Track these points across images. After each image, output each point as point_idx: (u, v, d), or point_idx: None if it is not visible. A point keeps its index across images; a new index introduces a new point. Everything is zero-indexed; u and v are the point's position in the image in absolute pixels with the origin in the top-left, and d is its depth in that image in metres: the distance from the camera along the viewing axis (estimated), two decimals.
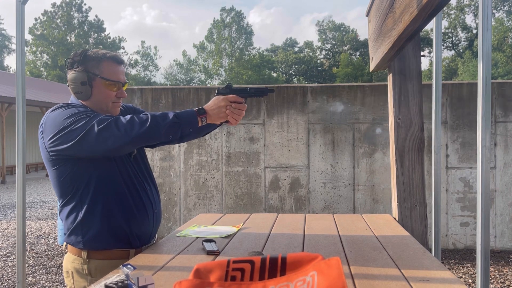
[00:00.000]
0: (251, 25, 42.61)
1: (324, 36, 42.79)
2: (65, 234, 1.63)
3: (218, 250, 1.55)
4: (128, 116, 1.48)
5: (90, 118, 1.47)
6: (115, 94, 1.64)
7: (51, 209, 8.59)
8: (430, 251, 2.39)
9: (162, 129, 1.48)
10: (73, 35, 39.59)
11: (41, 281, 4.24)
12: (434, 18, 2.28)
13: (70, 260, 1.62)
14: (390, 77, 2.54)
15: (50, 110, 1.59)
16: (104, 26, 41.19)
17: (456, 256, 4.88)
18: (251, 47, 42.36)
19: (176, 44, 75.59)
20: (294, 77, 42.05)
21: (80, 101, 1.63)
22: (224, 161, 5.46)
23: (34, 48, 38.85)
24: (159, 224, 1.78)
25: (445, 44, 36.26)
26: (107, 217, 1.58)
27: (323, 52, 42.85)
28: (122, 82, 1.64)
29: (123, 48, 41.84)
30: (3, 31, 41.27)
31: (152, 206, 1.70)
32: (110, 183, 1.59)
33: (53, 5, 38.52)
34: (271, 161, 5.40)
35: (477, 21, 31.90)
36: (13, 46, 40.82)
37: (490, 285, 3.96)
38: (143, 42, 59.77)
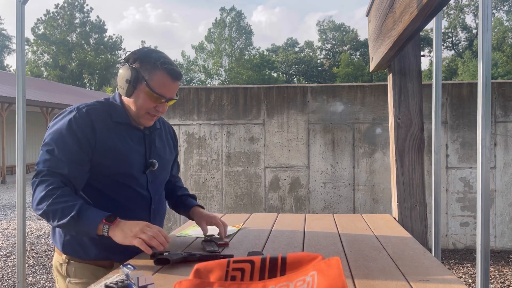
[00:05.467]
0: (250, 24, 42.65)
1: (324, 36, 42.80)
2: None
3: (218, 250, 1.55)
4: (47, 188, 1.41)
5: (44, 163, 1.45)
6: (154, 106, 1.53)
7: None
8: (430, 251, 2.39)
9: (53, 222, 1.41)
10: (74, 35, 39.62)
11: (41, 281, 4.24)
12: (434, 18, 2.28)
13: (55, 257, 1.61)
14: (390, 77, 2.54)
15: (54, 119, 1.56)
16: (106, 26, 41.23)
17: (456, 256, 4.88)
18: (251, 47, 42.37)
19: (179, 43, 75.55)
20: (294, 77, 42.06)
21: (123, 96, 1.57)
22: (224, 161, 5.46)
23: (35, 48, 38.87)
24: None
25: (445, 44, 36.27)
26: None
27: (323, 52, 42.86)
28: (166, 98, 1.52)
29: (124, 49, 41.86)
30: (3, 31, 41.27)
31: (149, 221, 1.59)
32: (106, 199, 1.52)
33: (56, 6, 38.56)
34: (271, 161, 5.40)
35: (477, 21, 31.91)
36: (13, 46, 40.82)
37: (490, 285, 3.96)
38: (143, 42, 59.72)
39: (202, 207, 1.83)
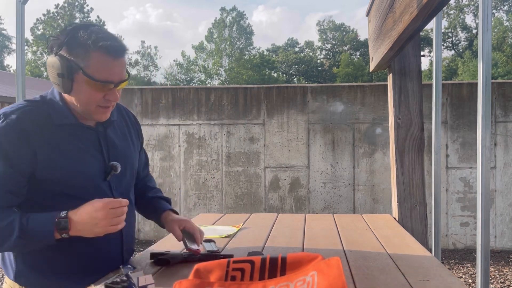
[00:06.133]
0: (251, 25, 42.67)
1: (324, 36, 42.80)
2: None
3: (218, 250, 1.55)
4: None
5: None
6: (103, 95, 1.22)
7: None
8: (430, 251, 2.39)
9: None
10: None
11: None
12: (434, 18, 2.28)
13: (6, 283, 1.32)
14: (390, 77, 2.54)
15: None
16: (106, 26, 41.18)
17: (456, 256, 4.88)
18: (251, 47, 42.39)
19: (180, 43, 75.42)
20: (294, 77, 42.05)
21: (63, 94, 1.26)
22: (224, 161, 5.46)
23: (35, 48, 38.89)
24: (132, 251, 1.47)
25: (445, 44, 36.27)
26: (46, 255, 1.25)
27: (323, 52, 42.87)
28: (114, 82, 1.21)
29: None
30: (3, 31, 41.29)
31: (122, 238, 1.36)
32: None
33: (56, 6, 38.62)
34: (271, 161, 5.40)
35: (477, 21, 31.93)
36: (13, 46, 40.86)
37: (490, 285, 3.96)
38: (142, 42, 59.89)
39: (176, 212, 1.54)
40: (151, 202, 1.57)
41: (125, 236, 1.36)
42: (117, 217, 1.17)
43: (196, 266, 0.97)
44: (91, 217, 1.15)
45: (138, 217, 5.50)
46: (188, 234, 1.45)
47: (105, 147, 1.32)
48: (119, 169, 1.31)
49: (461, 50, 36.04)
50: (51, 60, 1.20)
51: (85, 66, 1.18)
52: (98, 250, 1.29)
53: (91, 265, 1.27)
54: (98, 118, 1.28)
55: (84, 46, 1.18)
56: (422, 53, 3.36)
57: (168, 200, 1.60)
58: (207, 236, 1.82)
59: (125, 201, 1.19)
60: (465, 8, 35.92)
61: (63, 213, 1.15)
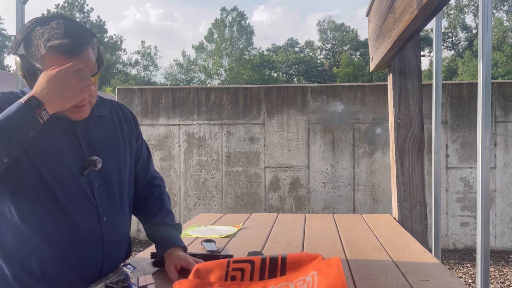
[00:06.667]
0: (252, 25, 42.67)
1: (324, 36, 42.81)
2: None
3: (218, 250, 1.55)
4: None
5: None
6: None
7: None
8: (430, 251, 2.39)
9: None
10: None
11: None
12: (434, 18, 2.28)
13: None
14: (390, 77, 2.54)
15: None
16: (106, 26, 41.25)
17: (456, 256, 4.88)
18: (251, 47, 42.40)
19: (181, 43, 75.35)
20: (294, 77, 42.05)
21: None
22: (224, 161, 5.46)
23: None
24: (119, 258, 1.35)
25: (445, 44, 36.27)
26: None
27: (324, 52, 42.88)
28: None
29: (124, 50, 41.98)
30: (3, 31, 41.30)
31: (102, 247, 1.24)
32: (37, 218, 1.15)
33: (57, 6, 38.65)
34: (271, 161, 5.40)
35: (477, 21, 31.91)
36: None
37: (490, 285, 3.95)
38: (143, 42, 59.88)
39: (185, 248, 1.38)
40: (158, 231, 1.41)
41: (106, 244, 1.24)
42: (84, 77, 1.06)
43: (196, 266, 0.97)
44: (61, 83, 1.04)
45: None
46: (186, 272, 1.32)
47: (84, 140, 1.22)
48: (99, 165, 1.21)
49: (461, 50, 36.04)
50: (15, 60, 1.15)
51: (42, 66, 1.10)
52: (78, 257, 1.19)
53: (68, 273, 1.18)
54: (74, 117, 1.19)
55: (36, 46, 1.10)
56: (422, 53, 3.36)
57: (177, 227, 1.43)
58: (207, 236, 1.82)
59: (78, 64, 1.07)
60: (465, 8, 35.93)
61: (25, 97, 1.04)
